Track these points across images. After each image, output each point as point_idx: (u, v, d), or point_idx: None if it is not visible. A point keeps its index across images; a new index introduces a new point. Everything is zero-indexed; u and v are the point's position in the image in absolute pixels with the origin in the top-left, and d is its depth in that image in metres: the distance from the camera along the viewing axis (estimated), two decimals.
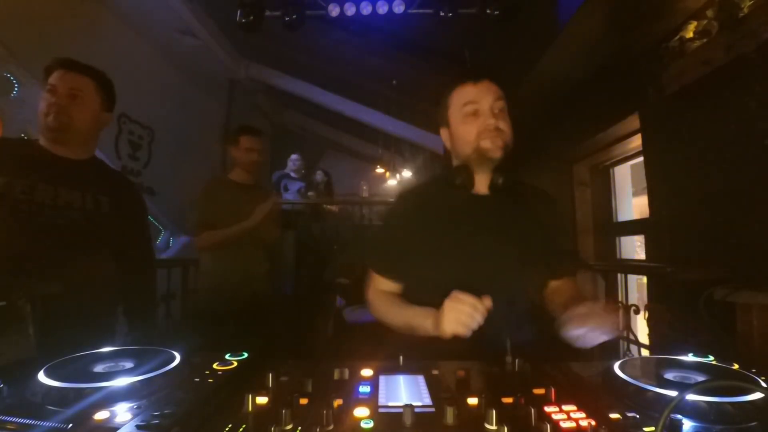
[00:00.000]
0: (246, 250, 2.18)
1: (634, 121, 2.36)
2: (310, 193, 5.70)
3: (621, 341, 2.20)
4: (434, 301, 1.03)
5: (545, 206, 1.21)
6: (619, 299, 2.51)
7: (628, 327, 2.19)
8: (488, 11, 2.99)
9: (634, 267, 2.75)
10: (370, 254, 1.20)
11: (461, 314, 0.88)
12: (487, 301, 0.88)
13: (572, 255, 1.23)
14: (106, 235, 1.35)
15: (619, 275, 2.62)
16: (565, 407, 0.56)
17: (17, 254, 1.19)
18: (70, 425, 0.49)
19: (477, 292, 1.03)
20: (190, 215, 2.25)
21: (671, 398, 0.48)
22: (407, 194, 1.28)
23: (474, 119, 1.08)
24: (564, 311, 1.01)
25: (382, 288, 1.16)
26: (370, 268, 1.17)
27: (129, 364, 0.67)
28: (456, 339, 1.03)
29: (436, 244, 1.09)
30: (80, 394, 0.57)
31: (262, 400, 0.58)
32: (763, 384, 0.62)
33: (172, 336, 2.88)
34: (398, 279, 1.15)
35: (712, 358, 0.76)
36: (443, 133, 1.18)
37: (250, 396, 0.57)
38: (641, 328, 2.16)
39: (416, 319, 1.00)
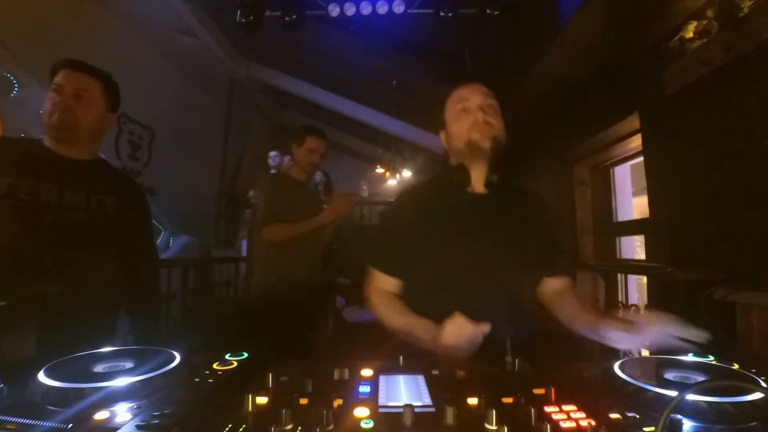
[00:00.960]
0: (309, 247, 2.24)
1: (634, 121, 2.36)
2: None
3: None
4: (433, 298, 1.06)
5: (539, 207, 1.27)
6: (619, 299, 2.51)
7: None
8: (488, 11, 2.99)
9: (634, 267, 2.75)
10: (371, 252, 1.22)
11: (461, 336, 0.90)
12: (485, 327, 0.90)
13: (568, 255, 1.28)
14: (110, 237, 1.35)
15: (619, 275, 2.62)
16: (565, 407, 0.56)
17: (22, 255, 1.19)
18: (70, 425, 0.49)
19: (474, 288, 1.07)
20: (257, 209, 2.28)
21: (671, 398, 0.48)
22: (406, 193, 1.34)
23: (465, 115, 1.15)
24: (576, 313, 1.06)
25: (382, 286, 1.17)
26: (371, 265, 1.19)
27: (129, 364, 0.67)
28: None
29: (435, 241, 1.11)
30: (80, 394, 0.57)
31: (262, 400, 0.58)
32: (763, 384, 0.62)
33: (177, 335, 2.88)
34: (398, 275, 1.16)
35: (712, 358, 0.76)
36: (442, 135, 1.24)
37: (250, 396, 0.57)
38: None
39: (416, 329, 1.03)
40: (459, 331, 0.89)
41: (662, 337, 0.81)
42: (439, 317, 0.99)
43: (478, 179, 1.17)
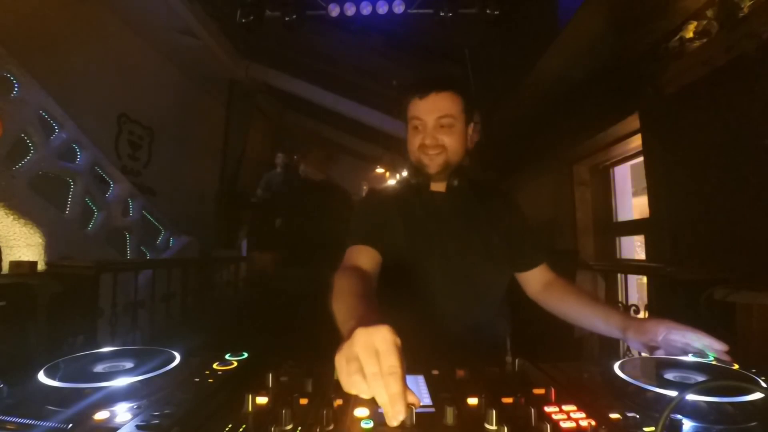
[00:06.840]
0: None
1: (634, 121, 2.36)
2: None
3: (621, 341, 2.20)
4: (401, 298, 1.04)
5: (503, 204, 1.22)
6: (619, 299, 2.51)
7: None
8: (488, 11, 3.00)
9: (634, 267, 2.75)
10: (349, 233, 1.12)
11: (369, 347, 0.57)
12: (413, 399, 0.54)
13: (540, 246, 1.23)
14: None
15: (619, 275, 2.62)
16: (565, 407, 0.56)
17: None
18: (70, 425, 0.49)
19: (444, 289, 1.07)
20: None
21: (671, 398, 0.48)
22: (377, 189, 1.31)
23: (417, 133, 1.12)
24: (576, 307, 1.06)
25: (353, 263, 1.01)
26: (349, 242, 1.07)
27: (129, 364, 0.67)
28: (451, 338, 1.04)
29: (400, 239, 1.10)
30: (80, 394, 0.57)
31: (262, 400, 0.58)
32: (763, 384, 0.62)
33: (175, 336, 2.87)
34: (376, 247, 1.05)
35: (712, 358, 0.76)
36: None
37: (250, 396, 0.57)
38: None
39: (347, 315, 0.75)
40: (371, 340, 0.57)
41: (681, 348, 0.81)
42: (407, 314, 0.97)
43: (439, 181, 1.15)
